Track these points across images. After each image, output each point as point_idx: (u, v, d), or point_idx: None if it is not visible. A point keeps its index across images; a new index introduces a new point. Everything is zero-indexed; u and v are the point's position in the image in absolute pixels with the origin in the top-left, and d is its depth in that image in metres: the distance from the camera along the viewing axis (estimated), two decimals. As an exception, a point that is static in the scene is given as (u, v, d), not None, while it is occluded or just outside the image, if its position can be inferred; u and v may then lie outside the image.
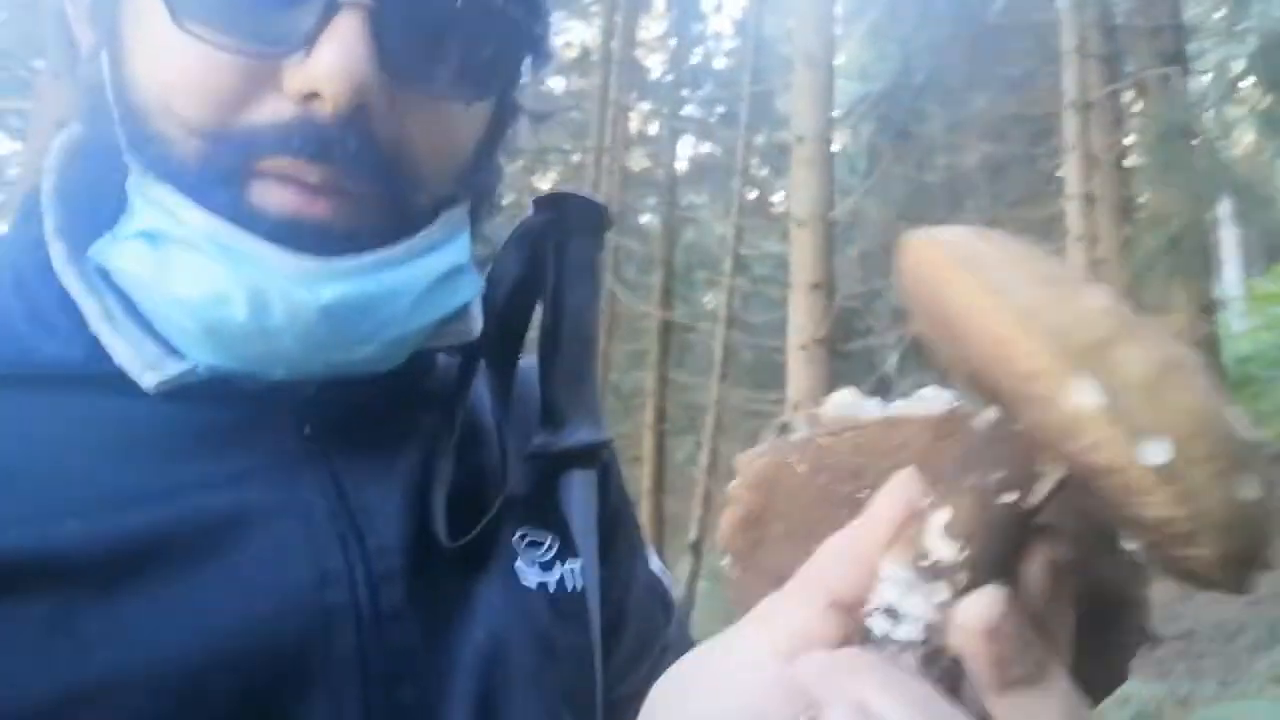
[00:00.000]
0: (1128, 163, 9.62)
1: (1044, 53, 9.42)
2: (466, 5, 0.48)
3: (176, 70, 0.45)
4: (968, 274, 0.30)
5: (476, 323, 0.57)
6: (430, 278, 0.50)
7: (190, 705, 0.42)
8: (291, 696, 0.44)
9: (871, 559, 0.34)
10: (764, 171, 14.68)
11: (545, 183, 13.47)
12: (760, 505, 0.40)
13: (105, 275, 0.49)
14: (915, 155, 11.49)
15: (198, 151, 0.46)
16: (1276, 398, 11.60)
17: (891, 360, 13.77)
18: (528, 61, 0.54)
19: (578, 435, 0.59)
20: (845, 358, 10.03)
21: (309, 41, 0.44)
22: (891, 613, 0.33)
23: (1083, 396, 0.27)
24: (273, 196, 0.46)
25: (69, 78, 0.55)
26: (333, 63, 0.44)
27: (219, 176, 0.46)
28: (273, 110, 0.45)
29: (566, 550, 0.59)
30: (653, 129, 14.77)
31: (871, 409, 0.38)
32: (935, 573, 0.33)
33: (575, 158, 13.08)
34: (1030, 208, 10.11)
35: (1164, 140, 8.14)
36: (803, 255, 8.20)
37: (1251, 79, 9.36)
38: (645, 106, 14.40)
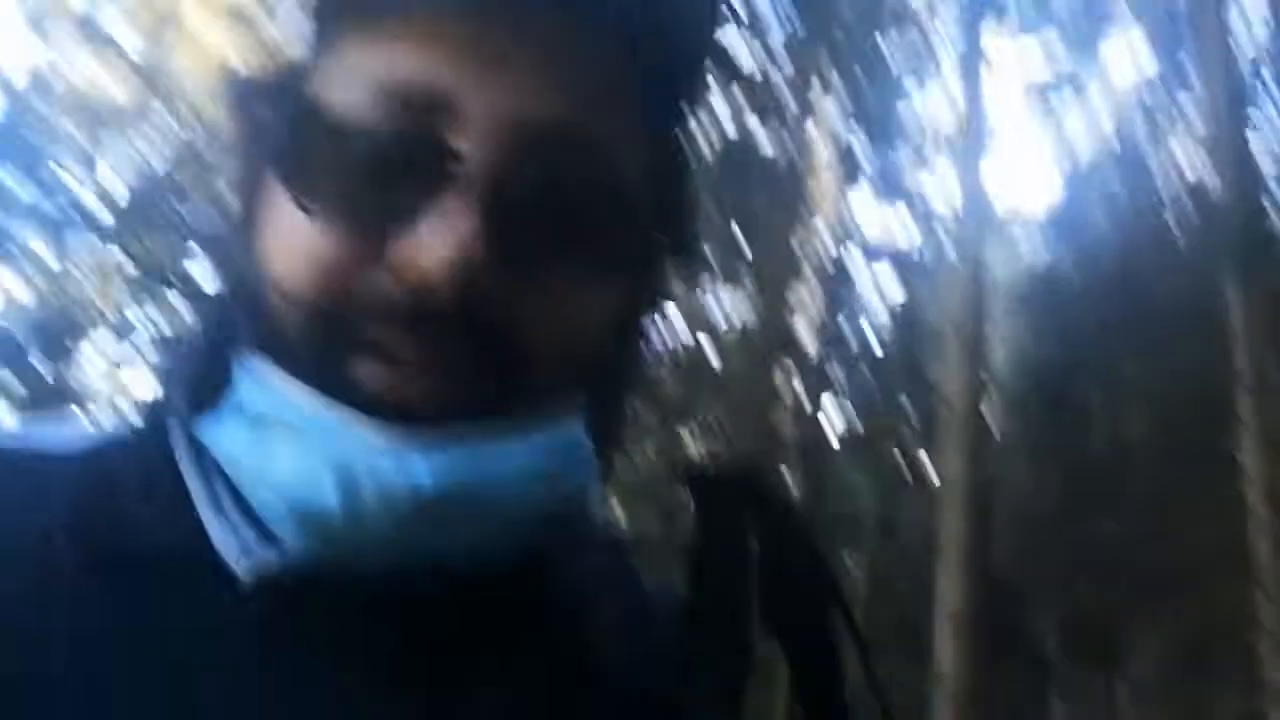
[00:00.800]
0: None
1: (1208, 331, 9.19)
2: (586, 182, 0.47)
3: (288, 246, 0.46)
4: None
5: (587, 523, 0.55)
6: (536, 458, 0.46)
7: None
8: None
9: None
10: (914, 444, 14.47)
11: (692, 442, 13.68)
12: None
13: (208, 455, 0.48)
14: (1075, 429, 11.13)
15: (303, 325, 0.45)
16: None
17: (1052, 644, 12.59)
18: (663, 248, 0.52)
19: None
20: (998, 633, 9.26)
21: (413, 215, 0.44)
22: None
23: None
24: (370, 370, 0.44)
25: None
26: (435, 239, 0.43)
27: (324, 349, 0.45)
28: (375, 283, 0.45)
29: None
30: (805, 405, 14.96)
31: None
32: None
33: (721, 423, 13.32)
34: (1203, 485, 9.45)
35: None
36: (952, 523, 7.92)
37: None
38: (789, 363, 14.70)
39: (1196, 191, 12.23)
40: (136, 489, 0.48)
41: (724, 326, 13.04)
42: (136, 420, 0.52)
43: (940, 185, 13.79)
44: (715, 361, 13.22)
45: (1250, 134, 9.11)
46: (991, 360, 8.87)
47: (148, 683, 0.43)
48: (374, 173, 0.45)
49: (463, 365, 0.45)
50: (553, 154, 0.46)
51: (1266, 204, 8.84)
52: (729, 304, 13.09)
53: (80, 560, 0.45)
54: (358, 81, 0.46)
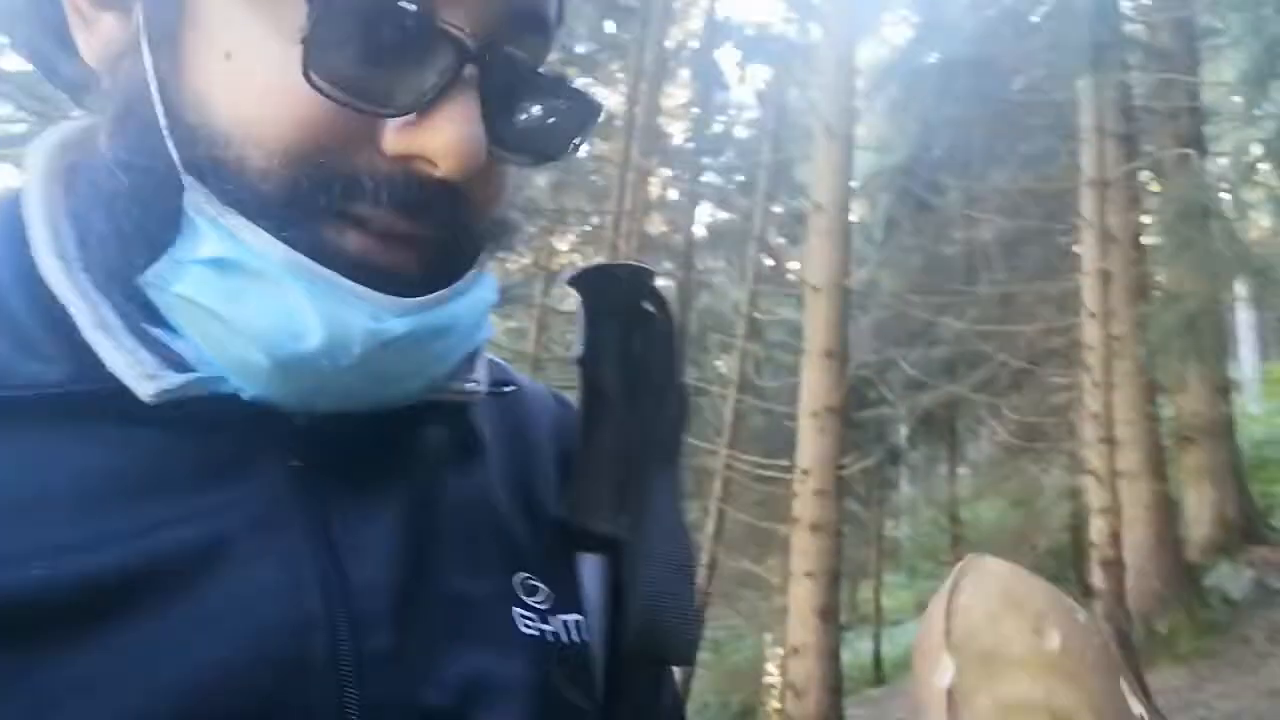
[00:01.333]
0: (1144, 241, 9.65)
1: (1062, 130, 9.53)
2: (549, 77, 0.51)
3: (283, 108, 0.45)
4: (946, 663, 0.28)
5: (479, 374, 0.57)
6: (475, 314, 0.51)
7: None
8: None
9: None
10: (780, 239, 14.80)
11: (564, 243, 13.60)
12: None
13: (132, 297, 0.48)
14: (932, 227, 11.58)
15: (284, 186, 0.45)
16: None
17: (902, 432, 13.72)
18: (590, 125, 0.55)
19: (601, 523, 0.58)
20: (857, 427, 9.98)
21: (426, 108, 0.46)
22: None
23: None
24: (355, 242, 0.46)
25: (46, 61, 0.53)
26: (455, 137, 0.46)
27: (304, 214, 0.45)
28: (368, 162, 0.46)
29: (568, 602, 0.57)
30: (672, 195, 14.95)
31: None
32: None
33: (594, 220, 13.24)
34: (1046, 281, 10.13)
35: (1181, 220, 8.18)
36: (817, 322, 8.23)
37: (1268, 164, 9.43)
38: (666, 172, 14.60)
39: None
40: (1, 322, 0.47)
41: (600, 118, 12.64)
42: None
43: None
44: (585, 157, 12.90)
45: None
46: (851, 151, 8.94)
47: (21, 527, 0.43)
48: (386, 53, 0.45)
49: (444, 241, 0.48)
50: (524, 39, 0.49)
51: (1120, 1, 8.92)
52: (601, 100, 12.66)
53: None
54: None
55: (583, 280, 0.61)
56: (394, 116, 0.46)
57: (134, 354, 0.46)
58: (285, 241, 0.45)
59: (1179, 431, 9.66)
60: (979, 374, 10.10)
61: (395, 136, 0.46)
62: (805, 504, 7.55)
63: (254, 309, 0.45)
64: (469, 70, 0.46)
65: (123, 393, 0.46)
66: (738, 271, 13.18)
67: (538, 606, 0.55)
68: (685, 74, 14.94)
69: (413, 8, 0.44)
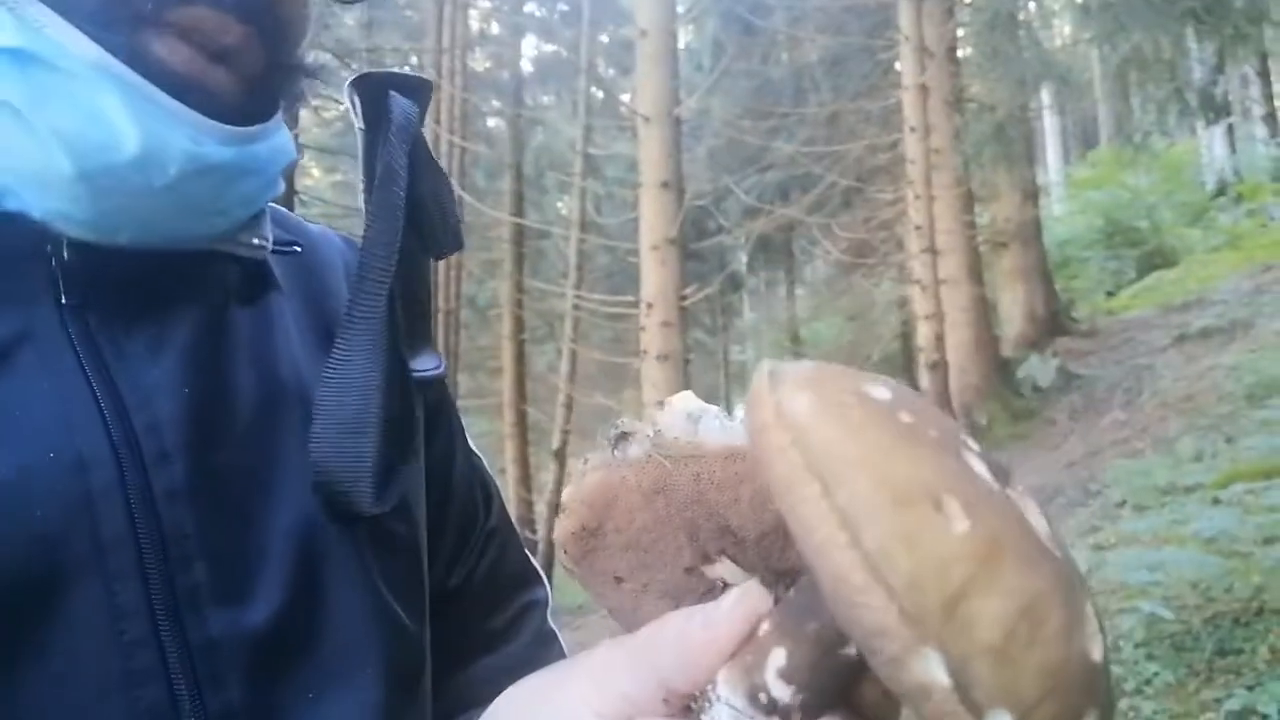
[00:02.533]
0: (959, 54, 9.94)
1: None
2: None
3: None
4: (812, 477, 0.27)
5: (266, 233, 0.54)
6: (280, 161, 0.50)
7: None
8: (59, 585, 0.42)
9: (708, 664, 0.34)
10: (610, 71, 14.45)
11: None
12: (596, 519, 0.38)
13: None
14: (759, 50, 11.53)
15: None
16: (1091, 276, 12.51)
17: (741, 259, 14.07)
18: None
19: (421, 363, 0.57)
20: (697, 257, 10.17)
21: None
22: None
23: (930, 672, 0.26)
24: (177, 55, 0.44)
25: None
26: None
27: (124, 17, 0.43)
28: None
29: None
30: (494, 28, 14.25)
31: (713, 426, 0.36)
32: (768, 711, 0.33)
33: (413, 59, 12.52)
34: (870, 99, 10.35)
35: (990, 29, 8.44)
36: (651, 154, 8.18)
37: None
38: (485, 5, 13.85)
39: None
40: None
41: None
42: None
43: None
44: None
45: None
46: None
47: None
48: None
49: (261, 67, 0.47)
50: None
51: None
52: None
53: None
54: None
55: (360, 84, 0.56)
56: None
57: None
58: (102, 45, 0.42)
59: (993, 237, 10.31)
60: (811, 196, 10.37)
61: None
62: (652, 336, 7.71)
63: (62, 109, 0.42)
64: None
65: None
66: (569, 107, 12.85)
67: None
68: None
69: None
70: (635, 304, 8.41)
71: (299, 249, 0.60)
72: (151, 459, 0.45)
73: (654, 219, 8.09)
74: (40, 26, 0.42)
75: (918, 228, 8.17)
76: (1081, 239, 12.98)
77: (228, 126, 0.46)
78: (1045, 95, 10.99)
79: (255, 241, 0.53)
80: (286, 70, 0.50)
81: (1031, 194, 10.49)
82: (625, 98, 13.35)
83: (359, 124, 0.55)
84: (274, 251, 0.56)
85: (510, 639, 0.64)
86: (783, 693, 0.32)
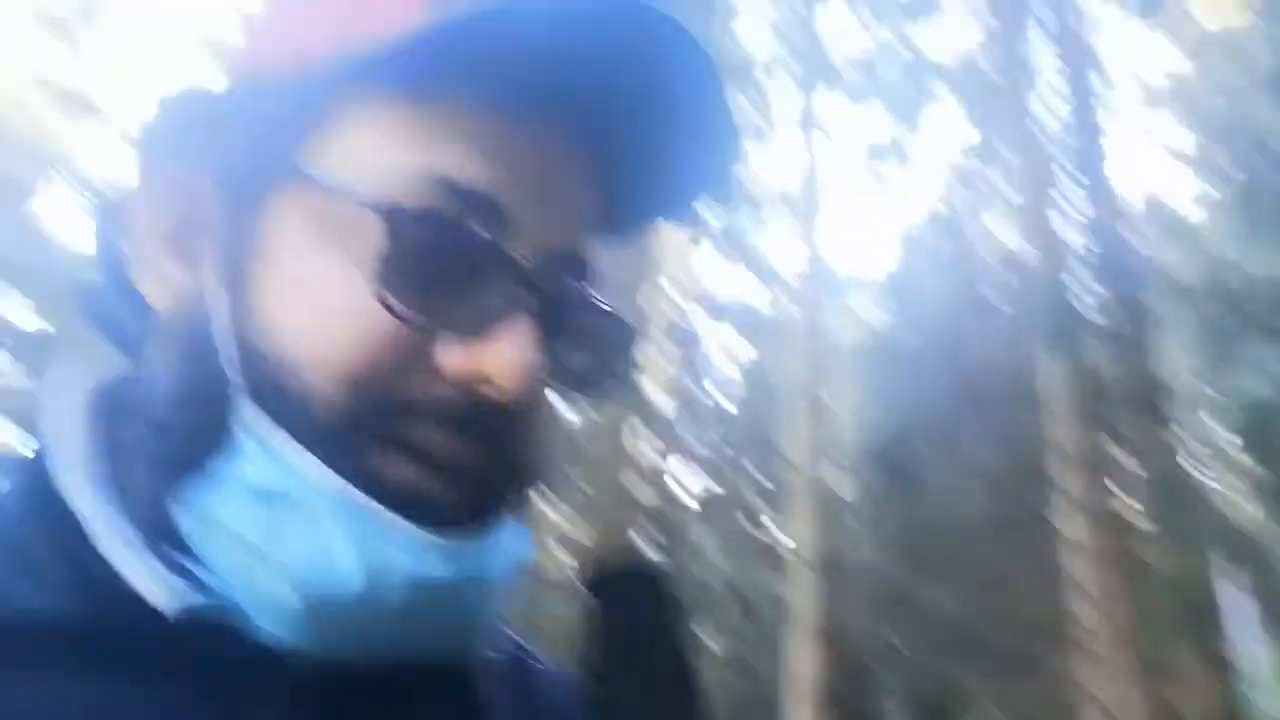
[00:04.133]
0: (1128, 519, 9.64)
1: (1032, 408, 9.77)
2: (603, 312, 0.52)
3: (351, 329, 0.45)
4: None
5: (505, 645, 0.56)
6: (510, 565, 0.49)
7: None
8: None
9: None
10: (770, 514, 14.76)
11: (556, 513, 13.51)
12: None
13: (156, 522, 0.46)
14: (918, 505, 11.59)
15: (344, 410, 0.45)
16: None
17: (895, 716, 12.94)
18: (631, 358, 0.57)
19: None
20: (850, 709, 9.46)
21: (481, 328, 0.46)
22: None
23: None
24: (400, 468, 0.45)
25: (108, 321, 0.54)
26: (514, 355, 0.46)
27: (358, 439, 0.45)
28: (424, 383, 0.46)
29: None
30: (660, 462, 15.05)
31: None
32: None
33: (581, 486, 13.25)
34: (1035, 558, 9.98)
35: (1163, 500, 8.23)
36: (804, 598, 8.07)
37: (1239, 443, 9.63)
38: (655, 443, 14.80)
39: (1011, 262, 13.10)
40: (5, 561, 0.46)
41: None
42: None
43: (782, 246, 14.29)
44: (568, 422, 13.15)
45: (1058, 209, 9.74)
46: (835, 426, 9.14)
47: None
48: (453, 276, 0.46)
49: (487, 473, 0.47)
50: (573, 275, 0.50)
51: (1066, 278, 9.39)
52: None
53: None
54: (395, 167, 0.46)
55: (595, 583, 0.57)
56: (457, 336, 0.46)
57: (152, 567, 0.45)
58: (335, 469, 0.44)
59: (1183, 714, 9.19)
60: (977, 657, 9.72)
61: (454, 357, 0.46)
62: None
63: (293, 545, 0.44)
64: (528, 296, 0.47)
65: (133, 620, 0.44)
66: (726, 545, 13.02)
67: None
68: (670, 348, 15.57)
69: (487, 236, 0.46)
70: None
71: (540, 664, 0.61)
72: None
73: (804, 667, 7.77)
74: (283, 456, 0.44)
75: (1094, 699, 7.43)
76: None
77: (447, 540, 0.45)
78: (1239, 574, 10.34)
79: (491, 654, 0.54)
80: (516, 474, 0.50)
81: (1229, 677, 9.46)
82: (785, 539, 13.48)
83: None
84: (513, 661, 0.57)
85: None
86: None
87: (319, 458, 0.44)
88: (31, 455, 0.50)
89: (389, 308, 0.45)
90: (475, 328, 0.46)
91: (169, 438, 0.47)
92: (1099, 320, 10.07)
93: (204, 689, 0.45)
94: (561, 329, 0.50)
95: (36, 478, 0.48)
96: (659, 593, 0.58)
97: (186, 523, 0.46)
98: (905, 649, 9.80)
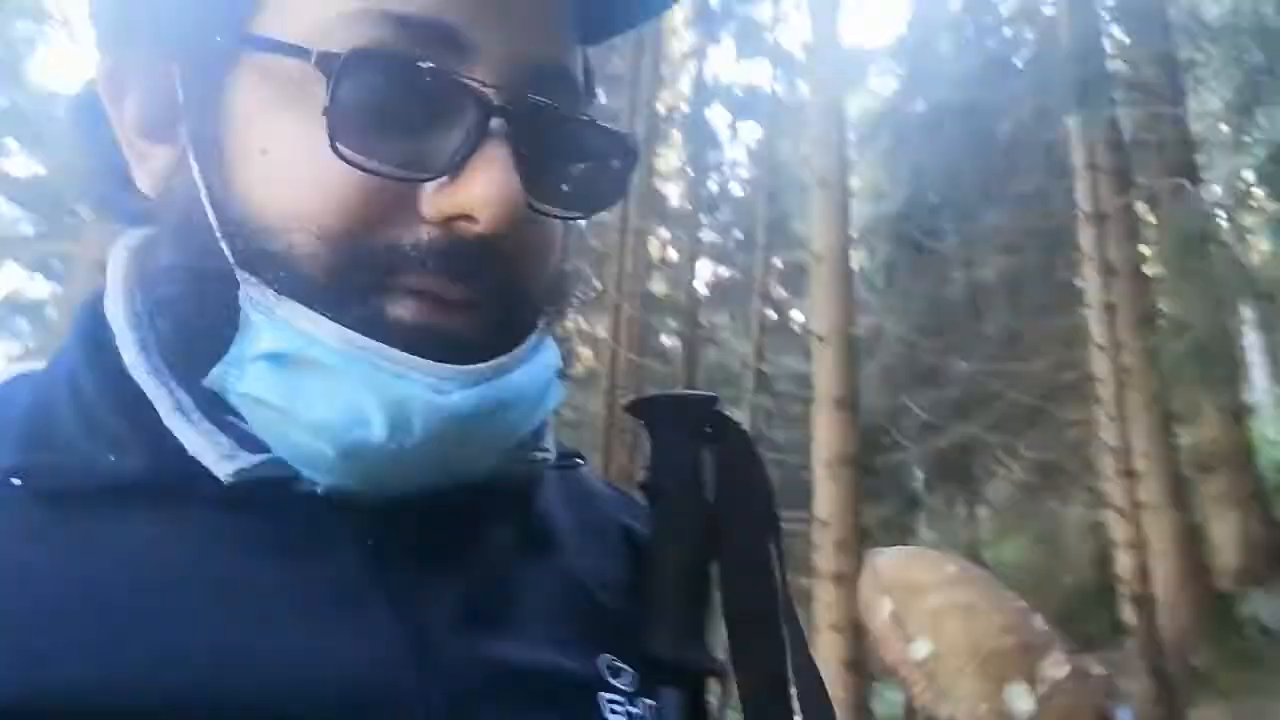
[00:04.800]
0: (1146, 271, 9.67)
1: (1053, 168, 9.61)
2: (589, 126, 0.50)
3: (318, 188, 0.45)
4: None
5: (549, 443, 0.56)
6: (540, 383, 0.50)
7: None
8: None
9: None
10: (782, 292, 14.88)
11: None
12: None
13: (202, 391, 0.48)
14: (933, 271, 11.63)
15: (332, 267, 0.45)
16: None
17: (918, 477, 13.61)
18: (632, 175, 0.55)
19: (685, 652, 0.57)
20: (871, 473, 9.90)
21: (457, 166, 0.45)
22: None
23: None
24: (407, 310, 0.46)
25: (112, 204, 0.55)
26: (489, 188, 0.45)
27: (355, 291, 0.45)
28: (409, 229, 0.46)
29: (644, 685, 0.55)
30: (672, 254, 15.07)
31: None
32: None
33: (596, 284, 13.34)
34: (1051, 317, 10.12)
35: (1181, 249, 8.20)
36: (826, 371, 8.22)
37: (1262, 189, 9.48)
38: (664, 234, 14.75)
39: (1037, 22, 12.52)
40: (78, 424, 0.48)
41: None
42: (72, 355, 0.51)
43: (795, 29, 13.64)
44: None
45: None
46: (847, 200, 9.01)
47: (136, 604, 0.43)
48: (411, 116, 0.45)
49: (495, 302, 0.47)
50: (550, 90, 0.48)
51: (1103, 39, 9.07)
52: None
53: (37, 499, 0.45)
54: (337, 13, 0.45)
55: (644, 407, 0.61)
56: (427, 180, 0.46)
57: (211, 436, 0.47)
58: (342, 322, 0.45)
59: (1198, 460, 9.57)
60: (991, 413, 10.05)
61: (432, 200, 0.46)
62: (826, 556, 7.45)
63: (314, 401, 0.45)
64: (496, 123, 0.45)
65: (197, 480, 0.46)
66: (742, 326, 13.21)
67: (624, 689, 0.54)
68: (677, 135, 15.18)
69: (429, 64, 0.44)
70: (806, 520, 8.21)
71: (581, 461, 0.63)
72: (460, 701, 0.47)
73: (829, 436, 8.03)
74: (291, 322, 0.45)
75: (1112, 449, 7.70)
76: (1303, 464, 11.83)
77: (466, 368, 0.46)
78: (1248, 312, 10.44)
79: (536, 456, 0.55)
80: (529, 298, 0.50)
81: (1238, 414, 9.76)
82: (796, 315, 13.64)
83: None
84: (559, 465, 0.58)
85: None
86: None
87: (322, 314, 0.45)
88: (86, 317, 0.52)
89: (349, 161, 0.44)
90: (450, 165, 0.45)
91: (191, 321, 0.48)
92: (1123, 69, 9.70)
93: (270, 537, 0.47)
94: (547, 149, 0.48)
95: (106, 351, 0.50)
96: (703, 408, 0.59)
97: (226, 396, 0.48)
98: (925, 413, 10.10)
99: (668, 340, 14.80)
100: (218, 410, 0.48)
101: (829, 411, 7.95)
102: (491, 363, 0.47)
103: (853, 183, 10.15)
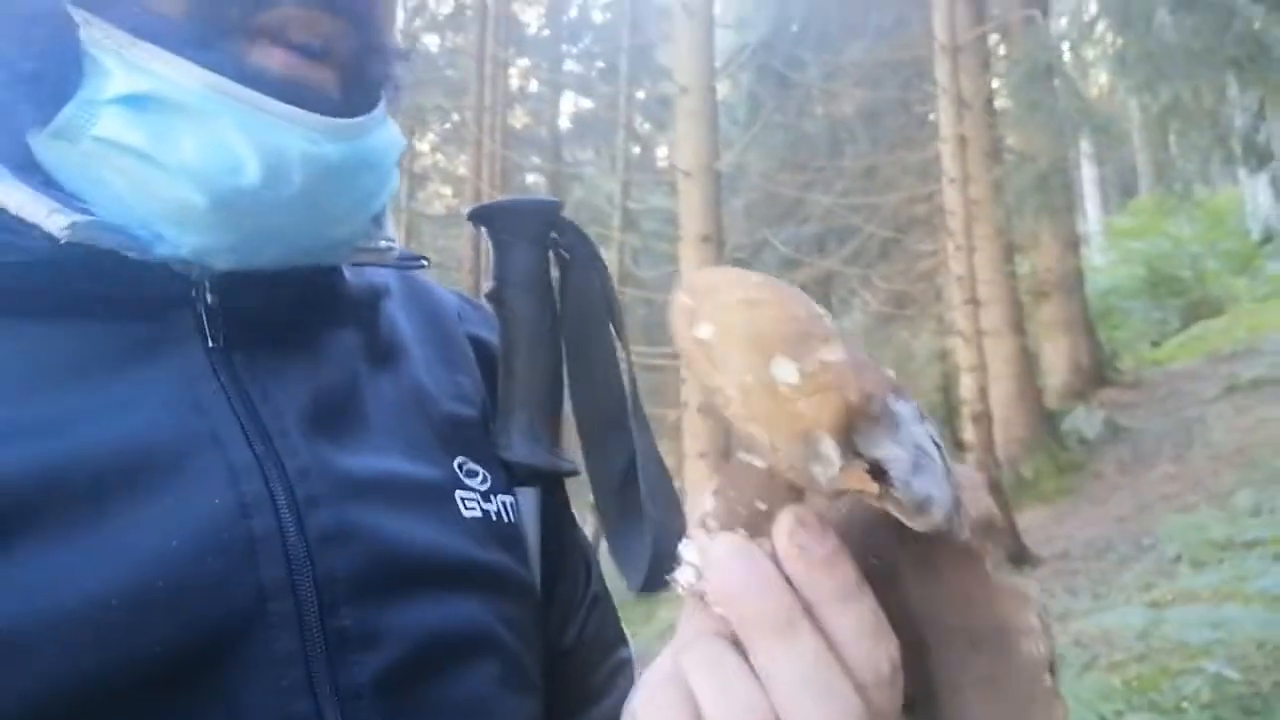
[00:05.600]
0: (996, 105, 9.95)
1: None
2: None
3: None
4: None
5: (391, 233, 0.56)
6: (393, 154, 0.50)
7: (115, 654, 0.39)
8: (228, 633, 0.42)
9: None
10: (647, 126, 14.66)
11: (425, 143, 13.11)
12: None
13: (28, 164, 0.45)
14: (795, 104, 11.64)
15: (189, 7, 0.43)
16: (1134, 327, 12.33)
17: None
18: None
19: (537, 454, 0.58)
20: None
21: None
22: (683, 565, 0.36)
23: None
24: (274, 59, 0.44)
25: None
26: None
27: (217, 32, 0.43)
28: None
29: (500, 484, 0.57)
30: (533, 86, 14.54)
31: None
32: (696, 523, 0.35)
33: (455, 117, 12.79)
34: (907, 150, 10.37)
35: (1028, 81, 8.45)
36: (691, 207, 8.24)
37: (1103, 22, 9.78)
38: (524, 63, 14.15)
39: None
40: None
41: (451, 10, 12.11)
42: None
43: None
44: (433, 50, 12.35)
45: None
46: (710, 32, 8.84)
47: None
48: None
49: (349, 55, 0.47)
50: None
51: None
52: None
53: None
54: None
55: (485, 214, 0.60)
56: None
57: (37, 195, 0.44)
58: (207, 66, 0.43)
59: (1035, 288, 10.21)
60: (849, 247, 10.37)
61: None
62: (693, 387, 7.71)
63: (185, 144, 0.43)
64: None
65: (19, 242, 0.43)
66: (607, 162, 13.02)
67: (478, 488, 0.55)
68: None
69: None
70: (674, 356, 8.41)
71: (426, 262, 0.61)
72: (304, 504, 0.46)
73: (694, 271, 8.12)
74: (148, 65, 0.43)
75: (959, 278, 8.11)
76: (1124, 289, 12.82)
77: (337, 120, 0.46)
78: (1084, 145, 10.95)
79: (383, 244, 0.55)
80: (381, 55, 0.50)
81: (1072, 244, 10.40)
82: (662, 152, 13.51)
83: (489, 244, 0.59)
84: (402, 264, 0.58)
85: (607, 694, 0.64)
86: (707, 504, 0.36)
87: (186, 58, 0.43)
88: None
89: None
90: None
91: (25, 76, 0.43)
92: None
93: (118, 330, 0.45)
94: None
95: None
96: (546, 215, 0.59)
97: (57, 158, 0.45)
98: (785, 246, 10.33)
99: (532, 177, 14.48)
100: (32, 175, 0.45)
101: (694, 247, 8.02)
102: (354, 120, 0.47)
103: (715, 11, 9.90)
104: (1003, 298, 9.22)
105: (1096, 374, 10.15)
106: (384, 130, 0.50)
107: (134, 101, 0.43)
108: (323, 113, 0.46)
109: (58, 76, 0.43)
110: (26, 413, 0.42)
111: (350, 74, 0.48)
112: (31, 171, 0.45)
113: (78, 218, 0.43)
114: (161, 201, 0.44)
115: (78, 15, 0.43)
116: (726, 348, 0.30)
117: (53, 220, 0.43)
